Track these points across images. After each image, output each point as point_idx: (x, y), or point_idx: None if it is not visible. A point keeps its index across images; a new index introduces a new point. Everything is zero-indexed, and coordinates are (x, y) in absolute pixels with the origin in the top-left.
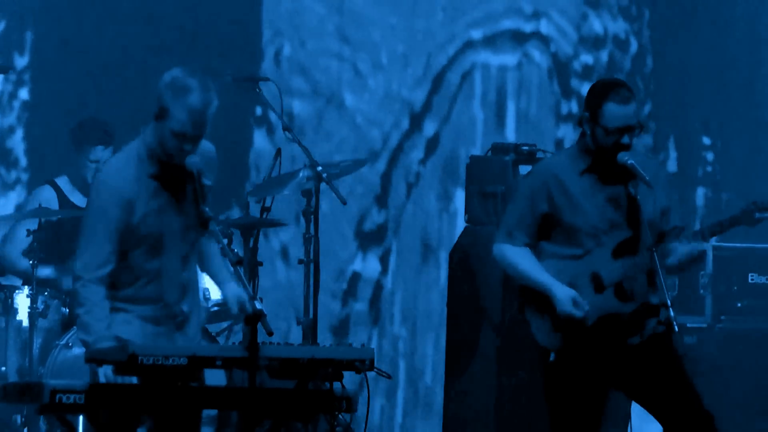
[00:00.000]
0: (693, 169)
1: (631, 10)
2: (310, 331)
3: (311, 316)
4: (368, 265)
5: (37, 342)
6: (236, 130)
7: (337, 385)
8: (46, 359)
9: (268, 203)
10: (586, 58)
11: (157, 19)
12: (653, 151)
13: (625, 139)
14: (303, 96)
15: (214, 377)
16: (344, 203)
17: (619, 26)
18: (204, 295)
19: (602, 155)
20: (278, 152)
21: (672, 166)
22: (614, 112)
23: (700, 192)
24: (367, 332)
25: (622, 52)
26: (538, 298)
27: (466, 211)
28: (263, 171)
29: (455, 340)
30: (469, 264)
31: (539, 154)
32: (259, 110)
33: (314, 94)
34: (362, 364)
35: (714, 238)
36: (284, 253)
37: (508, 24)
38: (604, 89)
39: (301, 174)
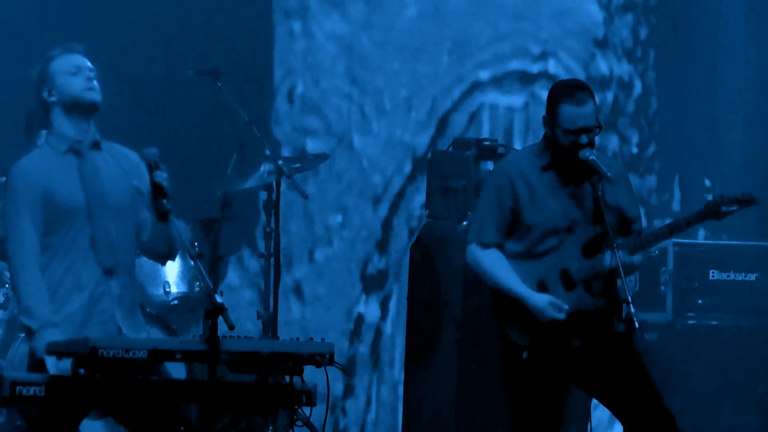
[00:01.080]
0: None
1: (636, 52)
2: (270, 325)
3: (271, 310)
4: (370, 309)
5: None
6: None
7: (297, 379)
8: (6, 351)
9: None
10: None
11: (173, 48)
12: (657, 192)
13: (583, 139)
14: (316, 134)
15: (174, 371)
16: (305, 197)
17: (623, 68)
18: (165, 288)
19: (562, 154)
20: (240, 146)
21: (675, 206)
22: (570, 113)
23: (701, 234)
24: (368, 375)
25: (627, 94)
26: (511, 302)
27: (427, 206)
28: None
29: (416, 333)
30: (429, 258)
31: (501, 150)
32: None
33: (327, 133)
34: (322, 359)
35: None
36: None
37: (515, 65)
38: (560, 91)
39: (262, 168)
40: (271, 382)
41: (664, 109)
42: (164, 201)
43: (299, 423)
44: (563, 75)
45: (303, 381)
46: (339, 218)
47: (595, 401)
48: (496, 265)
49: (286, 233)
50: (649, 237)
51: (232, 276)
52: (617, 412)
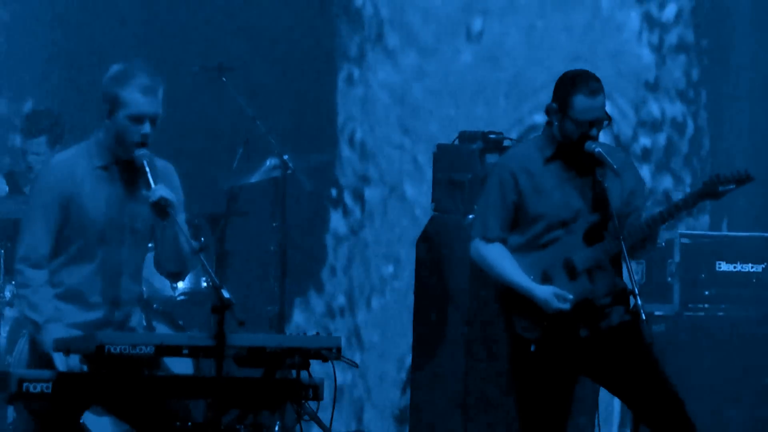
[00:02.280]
0: None
1: (688, 93)
2: (277, 320)
3: (278, 309)
4: None
5: (4, 331)
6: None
7: (304, 373)
8: (13, 348)
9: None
10: (645, 141)
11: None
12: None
13: (593, 132)
14: (372, 182)
15: (182, 366)
16: (309, 191)
17: (676, 108)
18: (171, 283)
19: (568, 145)
20: (246, 141)
21: None
22: (583, 104)
23: (707, 224)
24: None
25: (680, 134)
26: (517, 295)
27: (433, 200)
28: None
29: (423, 328)
30: (436, 252)
31: (506, 143)
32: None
33: (381, 181)
34: (329, 353)
35: (682, 226)
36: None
37: None
38: (574, 81)
39: (267, 163)
40: (279, 377)
41: (717, 150)
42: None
43: (306, 417)
44: (616, 116)
45: (310, 375)
46: (391, 268)
47: (603, 392)
48: (500, 259)
49: (349, 276)
50: (648, 221)
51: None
52: (628, 401)
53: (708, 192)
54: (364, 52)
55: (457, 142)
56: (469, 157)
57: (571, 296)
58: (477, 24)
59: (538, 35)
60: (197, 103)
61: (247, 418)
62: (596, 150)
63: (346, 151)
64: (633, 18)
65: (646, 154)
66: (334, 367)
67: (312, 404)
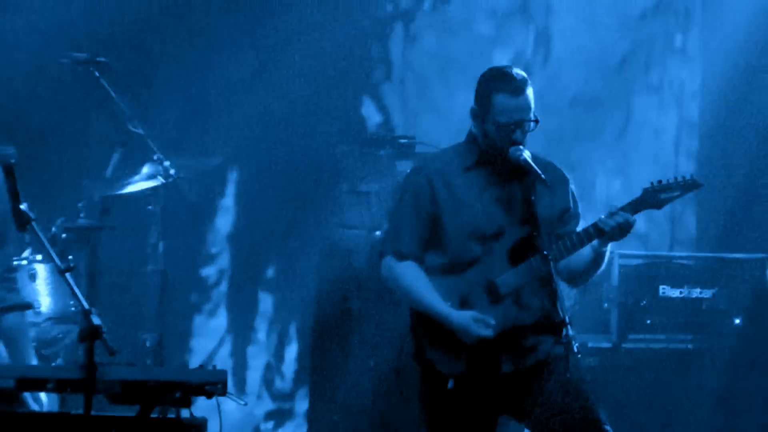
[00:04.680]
0: None
1: None
2: (156, 350)
3: (156, 332)
4: None
5: None
6: None
7: (185, 411)
8: None
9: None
10: None
11: None
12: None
13: (517, 135)
14: None
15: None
16: (192, 203)
17: None
18: (33, 306)
19: (492, 151)
20: (122, 145)
21: None
22: (505, 104)
23: (650, 244)
24: None
25: None
26: (434, 323)
27: (337, 214)
28: None
29: (323, 358)
30: (340, 272)
31: (419, 148)
32: None
33: None
34: (214, 388)
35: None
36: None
37: None
38: (494, 78)
39: (146, 169)
40: (156, 416)
41: None
42: (23, 207)
43: None
44: None
45: (192, 414)
46: None
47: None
48: (413, 279)
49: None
50: (580, 236)
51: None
52: None
53: (648, 200)
54: None
55: (363, 147)
56: (377, 164)
57: (493, 321)
58: None
59: None
60: (65, 99)
61: None
62: (522, 157)
63: None
64: None
65: None
66: (219, 404)
67: None
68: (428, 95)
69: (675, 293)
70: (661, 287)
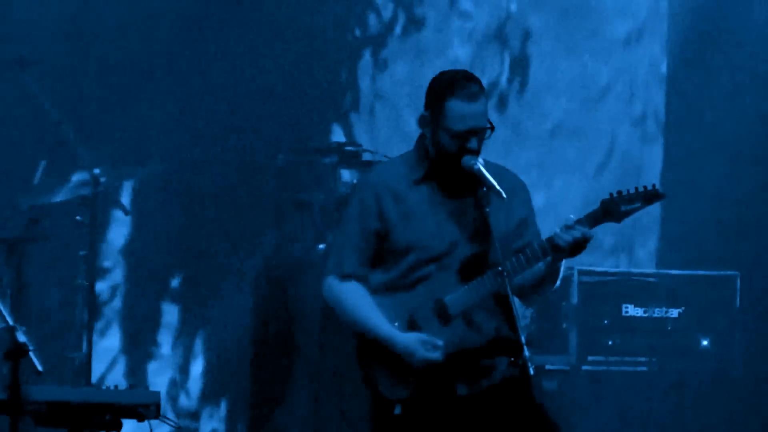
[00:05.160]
0: None
1: None
2: (84, 369)
3: (85, 350)
4: None
5: None
6: None
7: None
8: None
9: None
10: None
11: None
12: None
13: (472, 144)
14: None
15: None
16: (126, 214)
17: None
18: None
19: (444, 162)
20: (51, 151)
21: None
22: (459, 110)
23: (612, 260)
24: None
25: None
26: (379, 345)
27: (277, 225)
28: None
29: (262, 382)
30: (279, 289)
31: (366, 156)
32: None
33: None
34: (147, 410)
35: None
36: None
37: None
38: (448, 83)
39: (74, 178)
40: None
41: None
42: None
43: None
44: None
45: None
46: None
47: None
48: (356, 301)
49: None
50: (535, 251)
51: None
52: None
53: (608, 212)
54: None
55: (306, 154)
56: (320, 172)
57: (441, 343)
58: None
59: None
60: None
61: None
62: (476, 167)
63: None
64: None
65: None
66: (151, 427)
67: None
68: (399, 125)
69: (639, 312)
70: (623, 306)
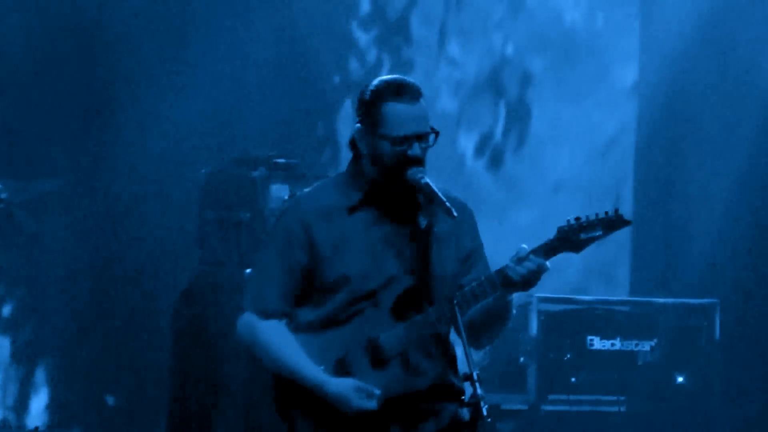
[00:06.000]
0: None
1: None
2: None
3: None
4: None
5: None
6: None
7: None
8: None
9: None
10: None
11: None
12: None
13: (415, 150)
14: None
15: None
16: (30, 231)
17: None
18: None
19: (386, 177)
20: None
21: None
22: (398, 113)
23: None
24: None
25: None
26: (299, 389)
27: (200, 245)
28: None
29: (181, 421)
30: (201, 318)
31: (300, 170)
32: None
33: None
34: None
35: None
36: None
37: None
38: (382, 88)
39: None
40: None
41: None
42: None
43: None
44: None
45: None
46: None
47: None
48: (280, 341)
49: None
50: (483, 285)
51: None
52: None
53: (565, 241)
54: None
55: (231, 167)
56: (248, 187)
57: (378, 391)
58: None
59: None
60: None
61: None
62: (423, 180)
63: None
64: None
65: None
66: None
67: None
68: None
69: (606, 345)
70: (588, 338)
